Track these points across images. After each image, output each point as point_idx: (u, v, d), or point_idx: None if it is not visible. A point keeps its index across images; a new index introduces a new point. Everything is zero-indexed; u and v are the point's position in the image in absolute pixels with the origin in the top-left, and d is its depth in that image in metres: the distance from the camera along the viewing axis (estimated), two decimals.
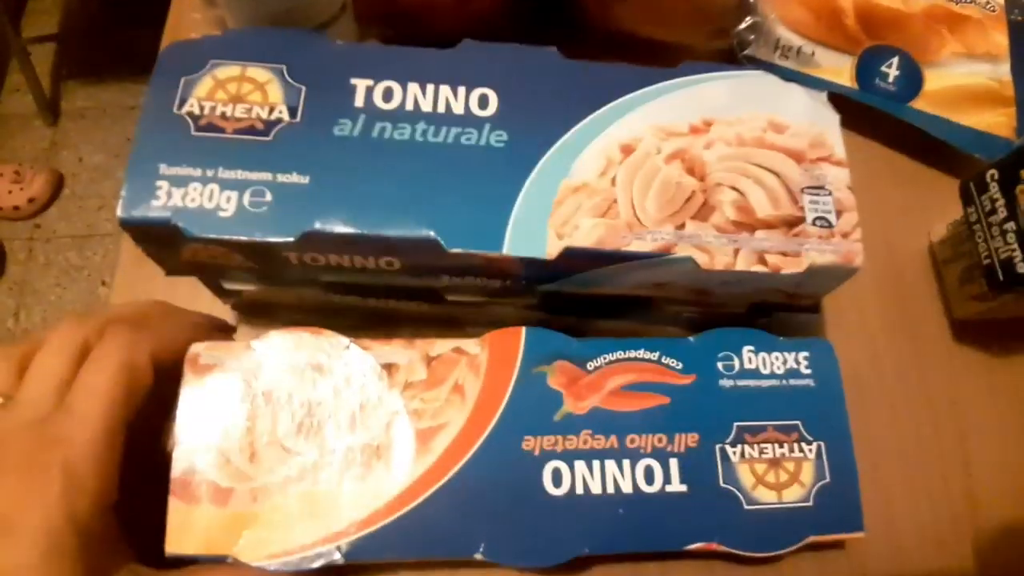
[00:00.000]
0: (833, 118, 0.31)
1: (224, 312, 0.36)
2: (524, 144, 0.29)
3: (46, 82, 1.34)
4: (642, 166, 0.29)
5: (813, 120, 0.31)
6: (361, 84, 0.30)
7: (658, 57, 0.42)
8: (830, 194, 0.30)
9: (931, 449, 0.37)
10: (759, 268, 0.28)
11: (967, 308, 0.38)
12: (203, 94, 0.29)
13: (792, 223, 0.29)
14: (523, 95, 0.30)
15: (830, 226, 0.29)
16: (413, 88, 0.30)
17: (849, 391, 0.37)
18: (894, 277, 0.40)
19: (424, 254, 0.28)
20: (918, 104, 0.42)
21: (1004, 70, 0.45)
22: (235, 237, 0.27)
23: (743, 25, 0.40)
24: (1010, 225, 0.34)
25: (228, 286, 0.32)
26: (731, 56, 0.42)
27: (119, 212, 0.27)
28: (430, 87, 0.30)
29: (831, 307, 0.39)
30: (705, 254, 0.28)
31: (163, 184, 0.28)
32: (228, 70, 0.30)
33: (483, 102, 0.30)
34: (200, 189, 0.28)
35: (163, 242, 0.28)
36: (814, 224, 0.29)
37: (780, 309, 0.33)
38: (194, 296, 0.35)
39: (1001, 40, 0.46)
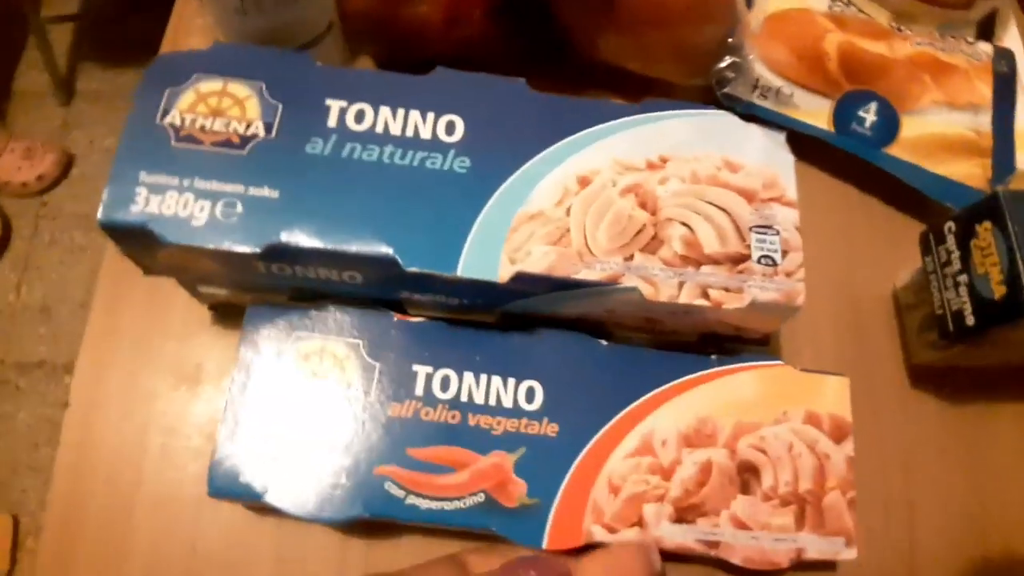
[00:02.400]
0: (788, 160, 0.33)
1: (202, 311, 0.39)
2: (486, 171, 0.31)
3: (63, 61, 1.38)
4: (597, 198, 0.31)
5: (768, 161, 0.33)
6: (335, 105, 0.32)
7: (639, 87, 0.44)
8: (777, 233, 0.32)
9: (876, 490, 0.38)
10: (701, 302, 0.30)
11: (925, 355, 0.40)
12: (185, 106, 0.32)
13: (738, 260, 0.31)
14: (489, 124, 0.32)
15: (775, 264, 0.31)
16: (384, 112, 0.32)
17: None
18: (855, 319, 0.42)
19: (384, 270, 0.30)
20: (893, 150, 0.44)
21: (984, 121, 0.46)
22: (205, 245, 0.29)
23: (723, 64, 0.41)
24: (963, 278, 0.36)
25: (203, 289, 0.35)
26: (710, 92, 0.44)
27: (99, 215, 0.30)
28: (400, 111, 0.32)
29: (788, 343, 0.40)
30: (650, 286, 0.30)
31: (142, 191, 0.30)
32: (210, 84, 0.32)
33: (450, 128, 0.32)
34: (176, 197, 0.30)
35: (140, 245, 0.31)
36: (759, 262, 0.31)
37: (729, 340, 0.35)
38: (172, 295, 0.38)
39: (985, 90, 0.48)
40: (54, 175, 1.30)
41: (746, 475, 0.32)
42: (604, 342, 0.33)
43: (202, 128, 0.31)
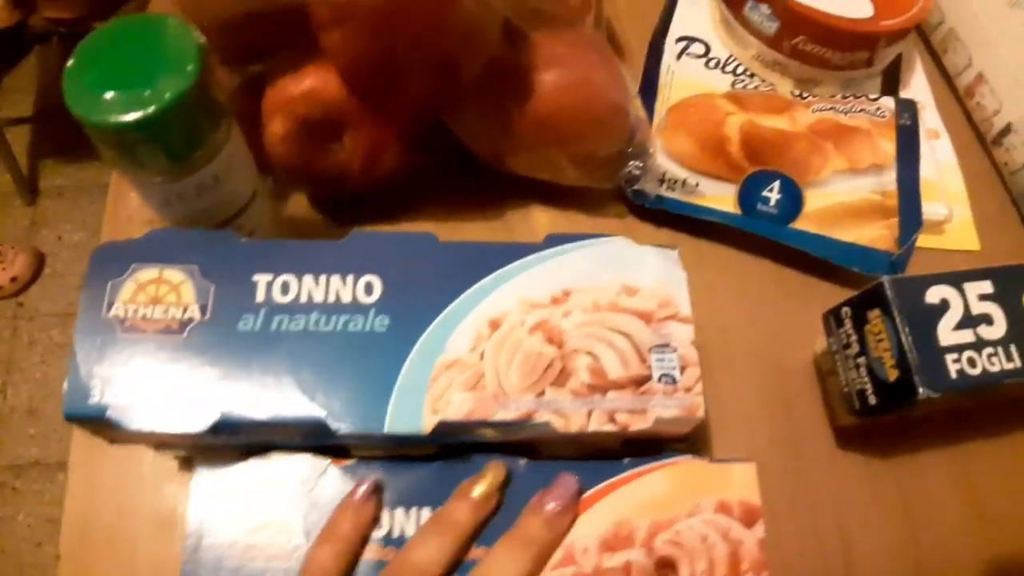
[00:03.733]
0: (681, 276, 0.37)
1: (169, 461, 0.43)
2: (404, 327, 0.35)
3: (24, 162, 1.44)
4: (507, 339, 0.35)
5: (664, 280, 0.37)
6: (262, 280, 0.36)
7: (554, 192, 0.49)
8: (675, 351, 0.36)
9: (814, 557, 0.42)
10: (609, 427, 0.34)
11: (847, 418, 0.44)
12: (127, 297, 0.36)
13: (640, 382, 0.35)
14: (404, 279, 0.36)
15: (674, 382, 0.35)
16: (307, 281, 0.36)
17: None
18: (780, 389, 0.46)
19: (318, 431, 0.34)
20: (799, 224, 0.48)
21: (889, 179, 0.51)
22: (156, 430, 0.34)
23: (627, 168, 0.46)
24: (862, 360, 0.40)
25: (163, 452, 0.39)
26: (621, 190, 0.48)
27: (63, 407, 0.34)
28: (322, 278, 0.36)
29: (717, 420, 0.44)
30: (562, 418, 0.34)
31: (97, 383, 0.34)
32: (147, 272, 0.36)
33: (368, 289, 0.36)
34: (127, 386, 0.34)
35: (102, 428, 0.35)
36: (660, 381, 0.35)
37: (651, 441, 0.39)
38: (142, 449, 0.42)
39: (889, 148, 0.52)
40: (27, 276, 1.35)
41: (665, 570, 0.36)
42: (523, 461, 0.37)
43: (144, 317, 0.35)
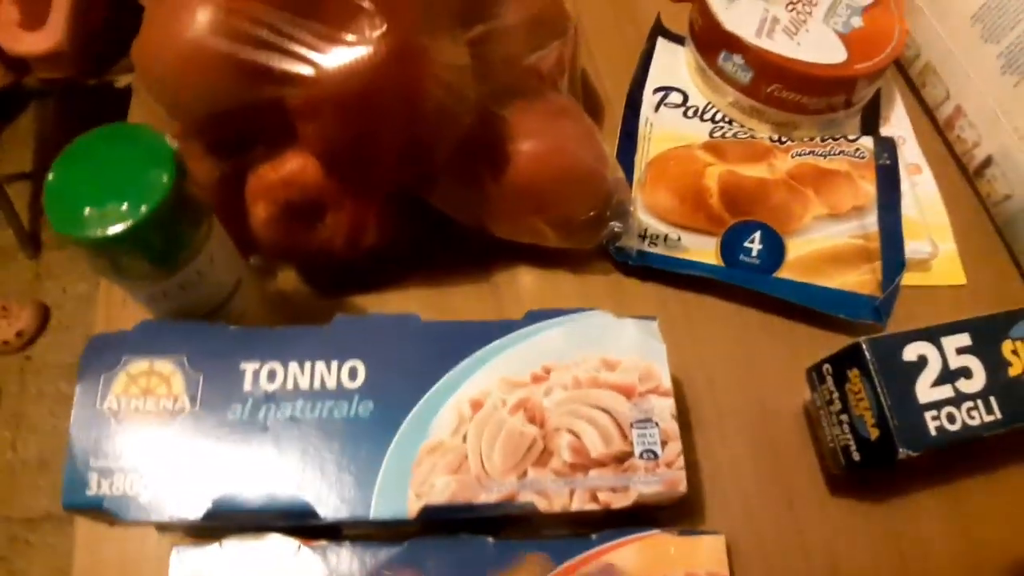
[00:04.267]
0: (660, 349, 0.38)
1: (174, 537, 0.44)
2: (388, 411, 0.36)
3: (25, 215, 1.46)
4: (489, 420, 0.36)
5: (643, 353, 0.38)
6: (249, 368, 0.37)
7: (539, 253, 0.50)
8: (656, 426, 0.37)
9: None
10: (592, 506, 0.35)
11: (839, 467, 0.44)
12: (119, 390, 0.37)
13: (622, 458, 0.36)
14: (388, 363, 0.37)
15: (656, 457, 0.36)
16: (293, 368, 0.37)
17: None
18: (770, 436, 0.47)
19: (306, 518, 0.35)
20: (782, 273, 0.49)
21: (871, 221, 0.51)
22: (152, 518, 0.35)
23: (607, 230, 0.47)
24: (844, 416, 0.40)
25: (163, 532, 0.40)
26: (605, 248, 0.49)
27: (61, 499, 0.35)
28: (307, 364, 0.37)
29: (708, 472, 0.45)
30: (544, 499, 0.35)
31: (93, 475, 0.35)
32: (138, 365, 0.37)
33: (352, 374, 0.37)
34: (123, 478, 0.35)
35: (102, 516, 0.36)
36: (641, 457, 0.36)
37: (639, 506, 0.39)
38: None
39: (869, 189, 0.53)
40: (33, 329, 1.37)
41: None
42: (491, 539, 0.36)
43: (136, 409, 0.36)
